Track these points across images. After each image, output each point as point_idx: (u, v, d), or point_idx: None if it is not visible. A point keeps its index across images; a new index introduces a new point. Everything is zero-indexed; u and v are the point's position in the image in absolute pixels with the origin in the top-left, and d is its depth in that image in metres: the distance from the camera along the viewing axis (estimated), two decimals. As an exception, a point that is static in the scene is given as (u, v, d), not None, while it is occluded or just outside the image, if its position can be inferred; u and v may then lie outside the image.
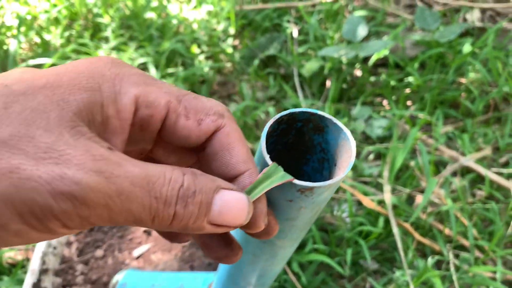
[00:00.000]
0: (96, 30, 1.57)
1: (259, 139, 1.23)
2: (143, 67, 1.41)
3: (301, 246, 0.98)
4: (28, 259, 0.93)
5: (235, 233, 0.39)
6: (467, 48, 1.39)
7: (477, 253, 0.99)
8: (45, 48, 1.47)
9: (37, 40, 1.52)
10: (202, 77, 1.41)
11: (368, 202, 0.99)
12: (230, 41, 1.54)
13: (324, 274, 0.96)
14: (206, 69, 1.42)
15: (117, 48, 1.47)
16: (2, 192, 0.19)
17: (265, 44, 1.47)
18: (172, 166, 0.23)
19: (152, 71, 1.36)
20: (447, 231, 1.02)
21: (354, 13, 1.58)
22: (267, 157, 0.27)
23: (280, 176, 0.27)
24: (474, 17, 1.62)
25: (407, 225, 0.99)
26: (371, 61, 1.40)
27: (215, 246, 0.30)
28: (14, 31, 1.51)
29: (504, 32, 1.55)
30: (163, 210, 0.22)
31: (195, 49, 1.47)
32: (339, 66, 1.39)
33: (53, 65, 1.33)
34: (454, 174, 1.15)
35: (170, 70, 1.39)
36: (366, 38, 1.51)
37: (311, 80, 1.39)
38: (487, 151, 1.16)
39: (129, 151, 0.29)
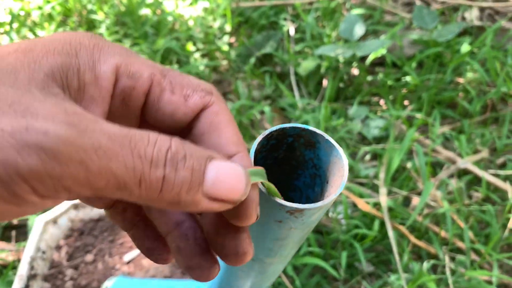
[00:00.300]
0: (90, 27, 1.55)
1: (255, 139, 1.21)
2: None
3: (296, 249, 0.97)
4: (19, 260, 0.92)
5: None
6: (465, 47, 1.37)
7: (473, 256, 0.98)
8: (38, 45, 1.45)
9: (30, 36, 1.50)
10: (198, 75, 1.39)
11: (364, 205, 0.98)
12: (226, 38, 1.53)
13: (319, 277, 0.95)
14: (201, 67, 1.40)
15: (111, 45, 1.45)
16: None
17: (261, 42, 1.46)
18: (156, 132, 0.20)
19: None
20: (443, 233, 1.01)
21: (351, 11, 1.57)
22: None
23: (270, 187, 0.25)
24: (472, 16, 1.61)
25: (402, 228, 0.98)
26: (368, 60, 1.39)
27: (189, 252, 0.26)
28: (7, 27, 1.49)
29: (503, 31, 1.54)
30: (149, 172, 0.19)
31: (190, 46, 1.46)
32: (336, 65, 1.38)
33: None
34: (450, 175, 1.14)
35: (165, 68, 1.37)
36: (364, 37, 1.50)
37: (308, 79, 1.38)
38: (484, 153, 1.15)
39: None
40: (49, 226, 0.76)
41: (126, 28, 1.52)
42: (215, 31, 1.54)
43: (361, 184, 1.11)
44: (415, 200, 1.07)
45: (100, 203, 0.28)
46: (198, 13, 1.60)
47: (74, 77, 0.22)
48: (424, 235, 1.02)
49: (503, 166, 1.19)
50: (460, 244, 0.99)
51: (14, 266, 0.92)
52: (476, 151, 1.19)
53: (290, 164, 0.32)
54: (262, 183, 0.26)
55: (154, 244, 0.28)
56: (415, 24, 1.45)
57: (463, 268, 0.96)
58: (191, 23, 1.57)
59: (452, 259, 0.98)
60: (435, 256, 0.99)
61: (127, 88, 0.24)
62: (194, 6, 1.62)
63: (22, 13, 1.54)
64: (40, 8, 1.56)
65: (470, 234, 0.99)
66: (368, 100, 1.36)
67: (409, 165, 1.13)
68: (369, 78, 1.40)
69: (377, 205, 1.03)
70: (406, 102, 1.35)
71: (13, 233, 1.02)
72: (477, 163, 1.15)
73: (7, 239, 1.01)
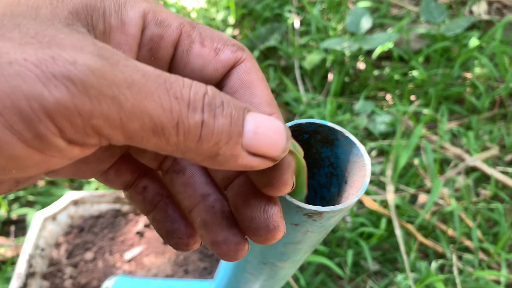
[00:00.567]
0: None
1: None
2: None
3: (300, 247, 0.95)
4: (18, 256, 0.90)
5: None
6: (473, 42, 1.34)
7: (481, 255, 0.96)
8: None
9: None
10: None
11: (371, 203, 0.96)
12: (229, 31, 1.50)
13: (324, 275, 0.93)
14: (204, 60, 1.38)
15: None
16: None
17: (265, 34, 1.43)
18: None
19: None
20: (450, 232, 0.99)
21: (357, 4, 1.54)
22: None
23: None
24: (481, 10, 1.58)
25: (410, 227, 0.96)
26: (374, 54, 1.36)
27: (215, 225, 0.24)
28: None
29: (511, 25, 1.51)
30: (188, 116, 0.17)
31: (193, 39, 1.43)
32: (341, 59, 1.35)
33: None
34: (458, 172, 1.12)
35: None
36: (370, 30, 1.47)
37: (313, 73, 1.35)
38: (494, 150, 1.13)
39: None
40: (48, 222, 0.74)
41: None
42: (218, 24, 1.51)
43: (367, 180, 1.09)
44: (422, 197, 1.05)
45: (120, 181, 0.26)
46: (201, 5, 1.57)
47: (99, 19, 0.20)
48: (431, 233, 1.00)
49: (511, 163, 1.16)
50: (468, 243, 0.97)
51: (13, 261, 0.90)
52: (484, 148, 1.17)
53: (305, 161, 0.30)
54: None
55: (175, 226, 0.25)
56: (423, 17, 1.42)
57: (470, 267, 0.94)
58: (193, 15, 1.54)
59: (459, 257, 0.96)
60: (442, 255, 0.97)
61: (155, 36, 0.22)
62: (197, -2, 1.60)
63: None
64: None
65: (478, 233, 0.97)
66: (374, 95, 1.33)
67: (416, 161, 1.11)
68: (376, 72, 1.37)
69: (383, 202, 1.01)
70: (412, 97, 1.32)
71: (12, 228, 1.00)
72: (485, 160, 1.13)
73: (6, 234, 1.00)
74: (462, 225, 0.98)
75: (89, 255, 0.72)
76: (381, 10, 1.56)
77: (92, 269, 0.70)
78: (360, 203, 1.03)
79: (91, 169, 0.25)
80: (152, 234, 0.73)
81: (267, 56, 1.43)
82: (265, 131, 0.19)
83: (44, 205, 0.95)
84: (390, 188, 0.99)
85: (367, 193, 1.02)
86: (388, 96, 1.33)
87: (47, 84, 0.15)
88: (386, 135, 1.21)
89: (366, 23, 1.34)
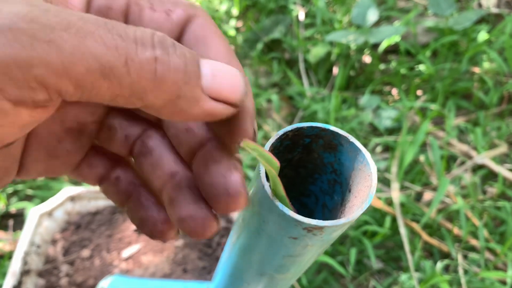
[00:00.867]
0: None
1: (261, 128, 1.17)
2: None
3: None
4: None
5: (231, 257, 0.34)
6: (482, 36, 1.31)
7: (487, 255, 0.94)
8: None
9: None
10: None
11: (375, 201, 0.94)
12: (233, 22, 1.47)
13: (326, 273, 0.92)
14: (207, 52, 1.35)
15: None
16: None
17: (269, 27, 1.40)
18: None
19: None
20: (455, 230, 0.97)
21: (364, -4, 1.50)
22: (266, 185, 0.22)
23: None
24: (490, 3, 1.54)
25: (415, 226, 0.94)
26: (381, 48, 1.33)
27: (181, 201, 0.22)
28: None
29: (521, 19, 1.47)
30: (137, 52, 0.16)
31: (196, 31, 1.41)
32: (347, 52, 1.32)
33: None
34: (465, 170, 1.10)
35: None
36: (376, 23, 1.44)
37: (317, 66, 1.33)
38: (503, 148, 1.10)
39: None
40: (44, 219, 0.73)
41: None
42: (222, 15, 1.49)
43: (372, 177, 1.07)
44: (427, 195, 1.03)
45: (94, 175, 0.25)
46: (205, -4, 1.55)
47: None
48: (436, 232, 0.98)
49: (519, 160, 1.14)
50: (474, 242, 0.95)
51: (10, 256, 0.89)
52: (492, 145, 1.14)
53: (306, 167, 0.28)
54: (269, 184, 0.22)
55: (148, 213, 0.25)
56: (430, 10, 1.38)
57: (476, 267, 0.92)
58: (197, 6, 1.51)
59: (465, 257, 0.94)
60: (447, 254, 0.95)
61: (102, 8, 0.21)
62: (201, -11, 1.57)
63: None
64: None
65: (484, 232, 0.95)
66: (380, 90, 1.31)
67: (422, 158, 1.09)
68: (382, 66, 1.34)
69: (388, 200, 0.99)
70: (419, 92, 1.30)
71: (11, 222, 0.99)
72: (494, 157, 1.11)
73: (4, 228, 0.99)
74: (468, 223, 0.95)
75: (85, 253, 0.71)
76: (388, 2, 1.52)
77: (88, 267, 0.68)
78: (364, 200, 1.01)
79: (63, 163, 0.24)
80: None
81: (271, 49, 1.40)
82: (223, 74, 0.18)
83: (43, 199, 0.94)
84: (395, 185, 0.97)
85: (371, 190, 1.00)
86: (394, 91, 1.30)
87: None
88: (391, 131, 1.18)
89: (372, 15, 1.31)
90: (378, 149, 1.14)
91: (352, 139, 0.24)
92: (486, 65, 1.31)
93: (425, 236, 0.95)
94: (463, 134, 1.19)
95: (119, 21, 0.21)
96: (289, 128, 0.24)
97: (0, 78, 0.14)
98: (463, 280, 0.88)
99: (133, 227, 0.74)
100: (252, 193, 0.24)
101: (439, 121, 1.24)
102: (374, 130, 1.20)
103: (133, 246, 0.70)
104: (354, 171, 0.25)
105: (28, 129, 0.17)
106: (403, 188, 1.03)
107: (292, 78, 1.25)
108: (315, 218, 0.29)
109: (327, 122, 1.15)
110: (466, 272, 0.91)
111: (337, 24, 1.41)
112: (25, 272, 0.65)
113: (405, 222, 0.94)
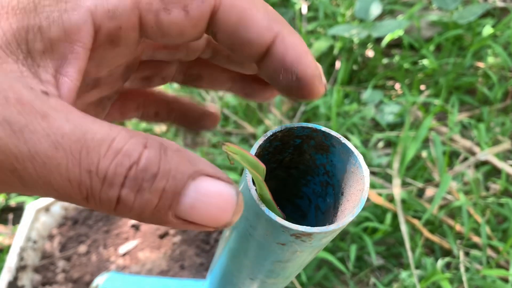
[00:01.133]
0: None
1: (262, 123, 1.16)
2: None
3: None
4: (16, 244, 0.89)
5: (222, 258, 0.33)
6: (487, 30, 1.29)
7: (489, 252, 0.93)
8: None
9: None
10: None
11: (376, 197, 0.93)
12: (235, 16, 1.46)
13: (326, 269, 0.91)
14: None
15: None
16: None
17: (272, 20, 1.39)
18: (130, 131, 0.16)
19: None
20: (457, 227, 0.96)
21: (367, -11, 1.49)
22: (252, 189, 0.21)
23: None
24: (495, -4, 1.52)
25: (417, 223, 0.93)
26: (384, 42, 1.32)
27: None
28: None
29: (527, 13, 1.45)
30: (100, 191, 0.15)
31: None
32: (350, 46, 1.31)
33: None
34: (467, 166, 1.08)
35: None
36: (380, 17, 1.42)
37: (320, 61, 1.32)
38: (507, 144, 1.09)
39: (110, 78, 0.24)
40: (41, 214, 0.72)
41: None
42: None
43: (373, 173, 1.06)
44: (429, 191, 1.02)
45: (128, 117, 0.28)
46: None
47: (36, 39, 0.17)
48: (437, 228, 0.97)
49: (523, 157, 1.12)
50: (476, 239, 0.94)
51: (9, 250, 0.89)
52: (495, 141, 1.13)
53: (298, 168, 0.27)
54: (255, 188, 0.21)
55: (195, 115, 0.30)
56: (435, 4, 1.37)
57: (478, 264, 0.91)
58: None
59: (466, 254, 0.93)
60: (448, 251, 0.94)
61: (112, 30, 0.19)
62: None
63: None
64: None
65: (487, 229, 0.94)
66: (382, 84, 1.29)
67: (424, 154, 1.07)
68: (385, 60, 1.33)
69: (389, 196, 0.98)
70: (422, 87, 1.28)
71: (10, 216, 0.99)
72: (497, 154, 1.09)
73: (4, 221, 0.98)
74: (471, 220, 0.94)
75: (82, 249, 0.70)
76: (392, -5, 1.51)
77: (85, 263, 0.68)
78: (365, 196, 1.00)
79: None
80: (147, 228, 0.71)
81: (273, 43, 1.39)
82: (207, 206, 0.17)
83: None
84: (397, 181, 0.96)
85: (373, 186, 0.99)
86: (397, 86, 1.29)
87: None
88: (394, 126, 1.17)
89: (375, 9, 1.30)
90: (380, 144, 1.13)
91: (344, 140, 0.23)
92: (491, 59, 1.29)
93: (426, 233, 0.94)
94: (466, 130, 1.18)
95: (134, 38, 0.20)
96: (278, 128, 0.23)
97: None
98: (464, 278, 0.87)
99: (131, 222, 0.73)
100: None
101: (442, 116, 1.23)
102: (376, 125, 1.19)
103: (130, 242, 0.70)
104: (347, 174, 0.24)
105: None
106: (404, 184, 1.02)
107: (294, 72, 1.24)
108: (308, 221, 0.28)
109: (328, 117, 1.14)
110: (467, 269, 0.90)
111: (340, 18, 1.40)
112: (21, 268, 0.65)
113: (406, 218, 0.93)
